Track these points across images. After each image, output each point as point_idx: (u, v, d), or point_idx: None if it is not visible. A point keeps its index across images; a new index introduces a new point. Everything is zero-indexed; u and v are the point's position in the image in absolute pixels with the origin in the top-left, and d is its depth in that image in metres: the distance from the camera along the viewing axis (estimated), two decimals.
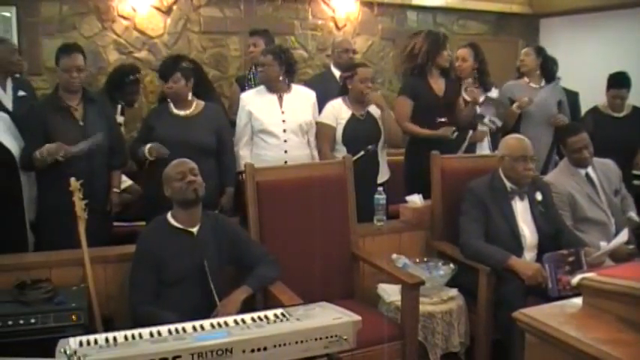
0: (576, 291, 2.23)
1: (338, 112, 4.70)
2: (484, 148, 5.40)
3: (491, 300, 3.82)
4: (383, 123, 4.70)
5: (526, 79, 5.65)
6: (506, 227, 3.97)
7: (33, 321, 3.15)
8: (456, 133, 4.88)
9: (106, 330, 3.14)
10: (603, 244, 4.01)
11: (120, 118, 5.17)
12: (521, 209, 4.04)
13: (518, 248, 3.93)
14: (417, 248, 4.44)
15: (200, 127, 4.26)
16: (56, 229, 3.95)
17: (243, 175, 4.16)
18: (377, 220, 4.37)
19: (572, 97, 5.98)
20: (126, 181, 4.74)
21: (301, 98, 4.72)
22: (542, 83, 5.66)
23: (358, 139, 4.61)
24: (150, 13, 6.33)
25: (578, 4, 7.61)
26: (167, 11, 6.41)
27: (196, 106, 4.32)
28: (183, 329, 2.49)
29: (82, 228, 3.53)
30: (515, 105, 5.44)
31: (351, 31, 7.36)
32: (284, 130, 4.56)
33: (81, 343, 2.34)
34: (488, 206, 4.00)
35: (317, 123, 4.73)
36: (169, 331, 2.47)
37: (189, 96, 4.31)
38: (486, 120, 5.31)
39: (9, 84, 4.62)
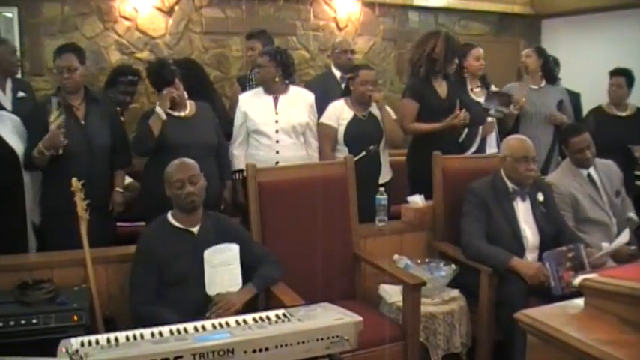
0: (579, 289, 2.23)
1: (340, 112, 4.71)
2: (492, 145, 5.39)
3: (493, 300, 3.81)
4: (382, 123, 4.71)
5: (526, 81, 5.64)
6: (508, 228, 3.98)
7: (35, 321, 3.15)
8: (465, 132, 4.91)
9: (108, 330, 3.14)
10: (605, 244, 4.00)
11: None
12: (522, 210, 4.04)
13: (519, 249, 3.93)
14: (419, 249, 4.43)
15: (203, 127, 4.25)
16: (59, 230, 3.94)
17: (238, 174, 4.17)
18: (378, 220, 4.37)
19: (574, 97, 5.99)
20: (126, 179, 4.72)
21: (297, 99, 4.72)
22: (543, 84, 5.66)
23: (360, 140, 4.61)
24: (152, 13, 6.33)
25: (579, 5, 7.61)
26: (169, 12, 6.42)
27: (191, 106, 4.29)
28: (185, 329, 2.49)
29: (83, 228, 3.53)
30: (512, 107, 5.42)
31: (353, 31, 7.36)
32: (276, 131, 4.58)
33: (82, 344, 2.34)
34: (489, 207, 4.00)
35: (319, 124, 4.75)
36: (171, 332, 2.47)
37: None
38: (492, 111, 5.32)
39: (9, 85, 4.63)
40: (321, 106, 4.82)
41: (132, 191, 4.69)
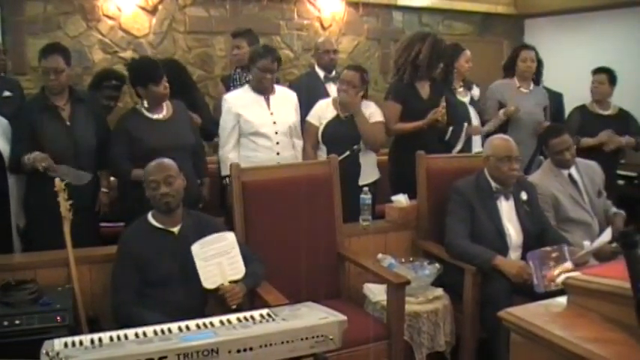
0: (562, 287, 2.24)
1: (323, 111, 4.71)
2: (478, 144, 5.40)
3: (477, 299, 3.83)
4: (358, 127, 4.64)
5: (516, 82, 5.62)
6: (492, 227, 3.99)
7: (17, 322, 3.12)
8: (450, 130, 4.93)
9: (92, 331, 3.13)
10: (586, 243, 4.03)
11: None
12: (506, 209, 4.06)
13: (503, 248, 3.95)
14: (403, 248, 4.44)
15: (182, 128, 4.22)
16: (43, 231, 3.92)
17: (228, 179, 4.13)
18: (363, 220, 4.37)
19: (557, 97, 6.01)
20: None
21: (286, 99, 4.71)
22: (531, 87, 5.66)
23: (338, 141, 4.58)
24: (135, 12, 6.31)
25: (562, 5, 7.66)
26: (152, 11, 6.40)
27: (167, 107, 4.23)
28: (169, 330, 2.49)
29: (66, 228, 3.51)
30: (502, 112, 5.41)
31: (337, 31, 7.37)
32: (275, 132, 4.54)
33: (66, 344, 2.33)
34: (473, 206, 4.01)
35: (305, 122, 4.75)
36: (155, 332, 2.46)
37: None
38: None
39: None
40: (306, 106, 4.82)
41: (114, 190, 4.66)
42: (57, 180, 3.58)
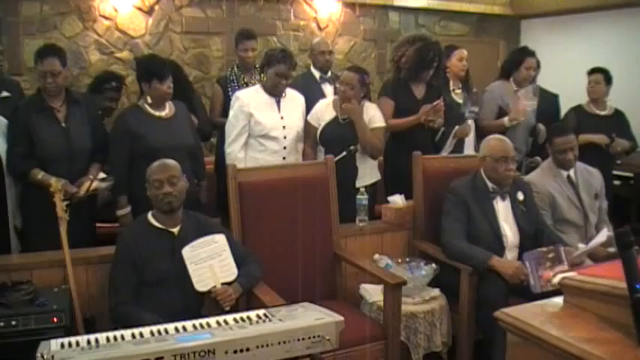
0: (558, 287, 2.25)
1: (322, 112, 4.70)
2: (470, 147, 5.40)
3: (473, 300, 3.83)
4: (358, 134, 4.60)
5: (513, 86, 5.60)
6: (488, 227, 4.00)
7: (14, 323, 3.11)
8: (441, 131, 4.93)
9: (88, 331, 3.13)
10: (581, 245, 4.03)
11: None
12: (502, 209, 4.07)
13: (499, 248, 3.96)
14: (399, 248, 4.45)
15: (182, 128, 4.23)
16: (40, 232, 3.91)
17: None
18: (359, 220, 4.38)
19: (553, 98, 6.02)
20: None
21: (295, 103, 4.72)
22: (529, 90, 5.65)
23: (335, 142, 4.57)
24: (131, 13, 6.31)
25: (558, 6, 7.67)
26: (149, 11, 6.39)
27: (169, 105, 4.24)
28: (166, 330, 2.49)
29: (63, 229, 3.51)
30: (507, 120, 5.37)
31: (333, 31, 7.37)
32: (284, 137, 4.55)
33: (62, 345, 2.33)
34: (470, 206, 4.02)
35: (305, 122, 4.74)
36: (151, 333, 2.47)
37: None
38: (467, 113, 5.33)
39: None
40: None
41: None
42: (53, 180, 3.58)
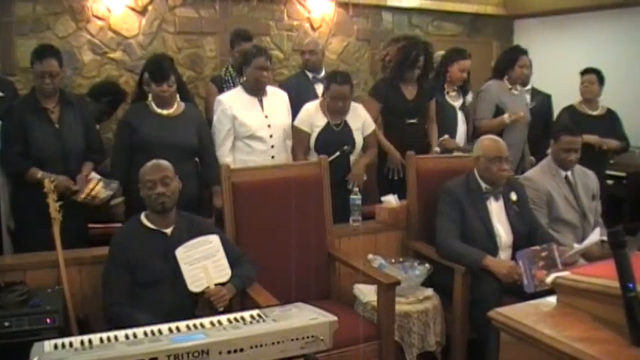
0: (552, 286, 2.25)
1: (313, 118, 4.65)
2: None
3: (467, 299, 3.84)
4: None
5: (507, 84, 5.60)
6: (482, 227, 4.00)
7: (7, 324, 3.11)
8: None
9: (82, 332, 3.13)
10: (576, 246, 4.04)
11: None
12: (496, 209, 4.07)
13: (493, 248, 3.96)
14: (393, 248, 4.45)
15: (184, 128, 4.22)
16: (33, 233, 3.91)
17: None
18: (353, 220, 4.38)
19: (545, 98, 6.04)
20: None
21: (278, 100, 4.70)
22: (519, 88, 5.65)
23: (330, 148, 4.55)
24: (125, 13, 6.29)
25: (551, 6, 7.68)
26: (142, 11, 6.37)
27: (177, 105, 4.26)
28: (159, 331, 2.49)
29: (56, 230, 3.51)
30: (507, 116, 5.38)
31: (327, 32, 7.36)
32: (270, 136, 4.53)
33: (56, 346, 2.33)
34: (463, 206, 4.02)
35: (293, 126, 4.69)
36: (145, 333, 2.46)
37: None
38: (462, 146, 5.34)
39: None
40: (294, 107, 4.80)
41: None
42: (46, 181, 3.58)
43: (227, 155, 4.46)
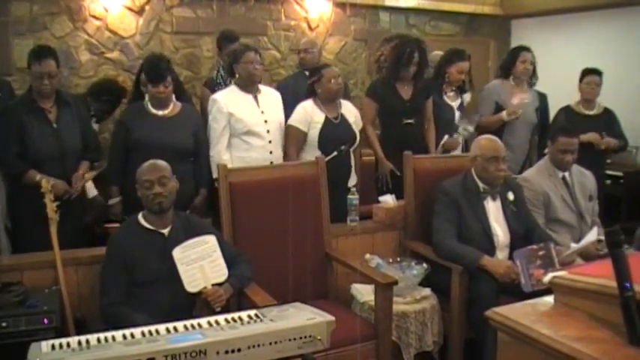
0: (549, 286, 2.25)
1: (310, 115, 4.66)
2: (457, 151, 5.41)
3: (464, 299, 3.84)
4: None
5: (512, 83, 5.62)
6: (479, 227, 4.00)
7: (4, 325, 3.10)
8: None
9: (79, 332, 3.13)
10: (573, 245, 4.04)
11: (95, 126, 5.06)
12: (493, 209, 4.07)
13: (490, 248, 3.96)
14: (390, 248, 4.45)
15: (180, 129, 4.22)
16: (30, 234, 3.91)
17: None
18: (350, 220, 4.38)
19: (541, 98, 6.04)
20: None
21: (272, 97, 4.72)
22: (525, 88, 5.65)
23: (333, 143, 4.58)
24: (122, 13, 6.28)
25: (548, 6, 7.69)
26: (139, 11, 6.37)
27: (174, 106, 4.27)
28: (157, 331, 2.49)
29: (53, 230, 3.51)
30: (505, 113, 5.42)
31: (324, 31, 7.36)
32: (267, 131, 4.53)
33: (53, 347, 2.33)
34: (461, 206, 4.02)
35: (287, 125, 4.70)
36: (143, 333, 2.46)
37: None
38: (460, 129, 5.36)
39: None
40: (292, 107, 4.79)
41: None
42: (44, 181, 3.57)
43: (224, 153, 4.46)
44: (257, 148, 4.50)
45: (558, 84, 6.11)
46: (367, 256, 4.07)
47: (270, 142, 4.54)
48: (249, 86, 4.57)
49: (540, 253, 3.65)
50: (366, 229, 4.45)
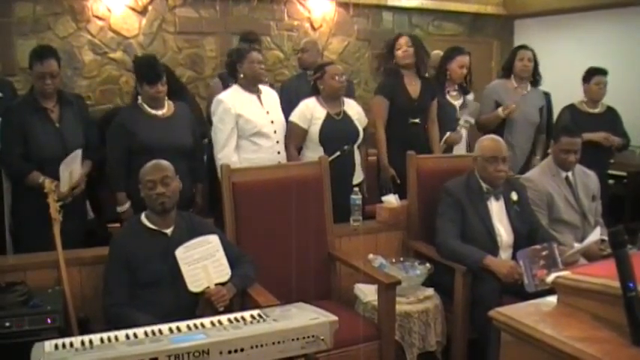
0: (552, 286, 2.25)
1: (312, 112, 4.66)
2: (461, 149, 5.41)
3: (468, 299, 3.83)
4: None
5: (513, 82, 5.61)
6: (482, 227, 4.00)
7: (8, 324, 3.11)
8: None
9: (82, 332, 3.13)
10: (577, 244, 4.04)
11: None
12: (496, 209, 4.07)
13: (494, 248, 3.96)
14: (394, 248, 4.45)
15: (179, 128, 4.20)
16: (33, 234, 3.91)
17: None
18: (353, 220, 4.38)
19: (546, 97, 6.03)
20: None
21: (273, 97, 4.71)
22: (529, 88, 5.65)
23: (335, 139, 4.60)
24: (125, 13, 6.29)
25: (552, 6, 7.69)
26: (142, 11, 6.38)
27: (169, 106, 4.24)
28: (160, 331, 2.49)
29: (56, 230, 3.51)
30: (501, 109, 5.42)
31: (327, 31, 7.37)
32: (274, 131, 4.53)
33: (56, 347, 2.33)
34: (464, 206, 4.02)
35: (289, 121, 4.68)
36: (146, 333, 2.46)
37: None
38: (462, 121, 5.36)
39: None
40: (295, 107, 4.78)
41: None
42: (47, 181, 3.58)
43: (232, 155, 4.40)
44: (265, 149, 4.49)
45: (561, 83, 6.11)
46: (370, 256, 4.07)
47: (277, 142, 4.54)
48: (252, 86, 4.54)
49: (543, 253, 3.64)
50: (369, 229, 4.45)
